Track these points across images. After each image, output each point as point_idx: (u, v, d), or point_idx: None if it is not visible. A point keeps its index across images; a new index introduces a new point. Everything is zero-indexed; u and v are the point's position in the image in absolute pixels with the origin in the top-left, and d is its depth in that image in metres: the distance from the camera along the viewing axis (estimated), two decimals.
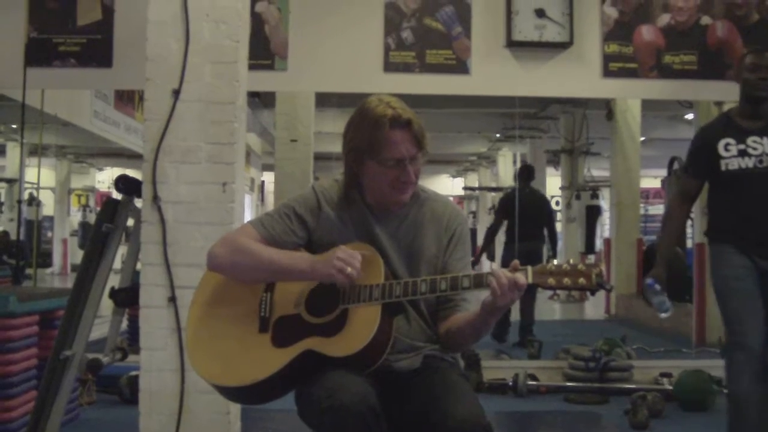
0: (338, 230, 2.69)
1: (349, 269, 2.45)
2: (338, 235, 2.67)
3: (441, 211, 2.78)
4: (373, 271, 2.53)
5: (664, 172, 15.29)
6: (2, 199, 17.59)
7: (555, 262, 2.40)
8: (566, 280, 2.35)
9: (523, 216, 9.90)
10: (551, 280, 2.37)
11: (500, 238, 10.51)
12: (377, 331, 2.43)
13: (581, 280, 2.35)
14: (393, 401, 2.54)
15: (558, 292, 2.54)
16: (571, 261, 2.39)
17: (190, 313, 2.72)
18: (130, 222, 4.28)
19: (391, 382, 2.57)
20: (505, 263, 10.26)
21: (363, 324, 2.45)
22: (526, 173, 10.66)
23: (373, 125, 2.58)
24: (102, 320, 5.01)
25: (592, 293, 2.41)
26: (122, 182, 4.18)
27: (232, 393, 2.66)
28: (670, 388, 6.50)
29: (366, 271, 2.52)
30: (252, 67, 4.84)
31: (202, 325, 2.67)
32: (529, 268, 2.38)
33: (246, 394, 2.62)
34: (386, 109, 2.59)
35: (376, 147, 2.58)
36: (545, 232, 10.21)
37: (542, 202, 10.54)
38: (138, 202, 4.27)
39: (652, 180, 23.82)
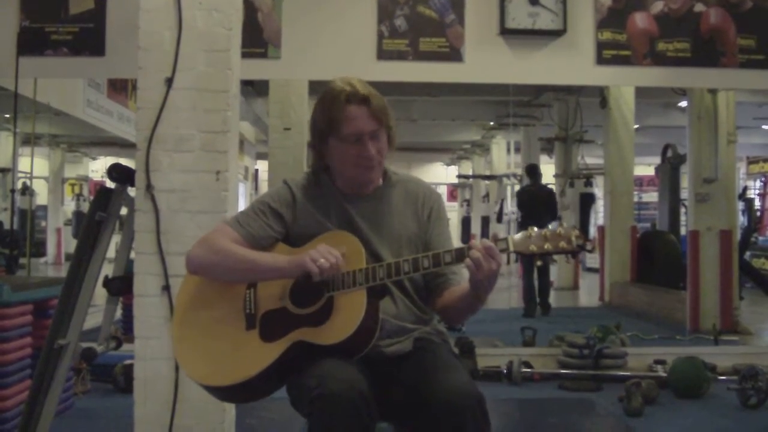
0: (316, 220, 2.70)
1: (321, 260, 2.45)
2: (317, 225, 2.68)
3: (415, 190, 2.82)
4: (356, 257, 2.54)
5: (657, 160, 15.32)
6: None
7: (535, 229, 2.42)
8: (547, 246, 2.40)
9: (536, 208, 11.43)
10: (532, 247, 2.41)
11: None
12: (365, 315, 2.44)
13: (562, 244, 2.39)
14: (385, 386, 2.55)
15: (539, 258, 2.59)
16: (550, 227, 2.43)
17: (174, 318, 2.72)
18: (124, 211, 4.27)
19: (382, 367, 2.57)
20: None
21: (350, 310, 2.46)
22: (534, 171, 12.35)
23: (331, 102, 2.63)
24: (96, 309, 5.00)
25: (574, 256, 2.45)
26: (115, 171, 4.16)
27: (225, 393, 2.65)
28: (665, 375, 6.52)
29: (348, 258, 2.52)
30: (245, 55, 4.82)
31: (188, 328, 2.66)
32: (509, 237, 2.43)
33: (239, 392, 2.61)
34: (344, 87, 2.62)
35: (335, 124, 2.62)
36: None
37: (551, 196, 12.11)
38: (131, 191, 4.26)
39: (645, 167, 23.82)
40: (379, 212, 2.73)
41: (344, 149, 2.63)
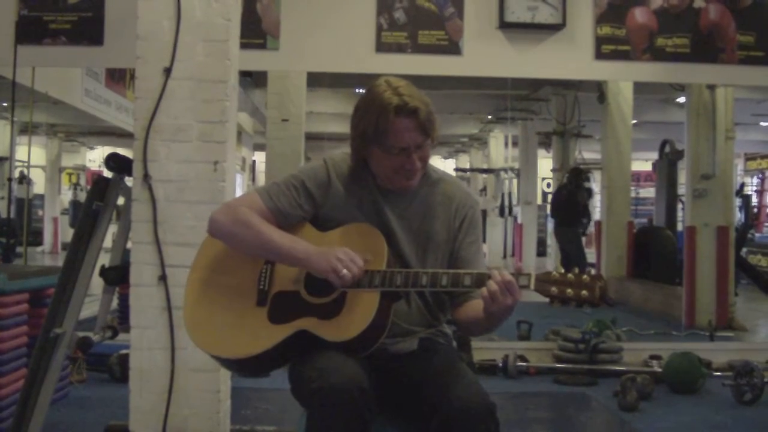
0: (347, 207, 2.66)
1: (344, 271, 2.42)
2: (346, 212, 2.65)
3: (451, 193, 2.75)
4: (378, 257, 2.51)
5: (655, 155, 15.33)
6: None
7: (561, 271, 2.41)
8: (569, 291, 2.38)
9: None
10: (554, 289, 2.39)
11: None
12: (374, 318, 2.42)
13: (584, 293, 2.37)
14: (388, 382, 2.54)
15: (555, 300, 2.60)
16: (576, 271, 2.40)
17: (190, 278, 2.68)
18: (121, 200, 4.27)
19: (385, 363, 2.57)
20: None
21: (360, 310, 2.44)
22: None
23: (379, 112, 2.52)
24: (92, 299, 5.00)
25: (594, 306, 2.44)
26: (113, 160, 4.15)
27: (226, 363, 2.65)
28: (660, 370, 6.53)
29: (369, 255, 2.50)
30: (244, 46, 4.81)
31: (201, 292, 2.64)
32: (533, 274, 2.41)
33: (240, 367, 2.62)
34: (392, 97, 2.52)
35: (381, 134, 2.53)
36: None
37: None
38: (129, 181, 4.25)
39: (643, 163, 23.87)
40: (411, 211, 2.69)
41: (387, 158, 2.58)
